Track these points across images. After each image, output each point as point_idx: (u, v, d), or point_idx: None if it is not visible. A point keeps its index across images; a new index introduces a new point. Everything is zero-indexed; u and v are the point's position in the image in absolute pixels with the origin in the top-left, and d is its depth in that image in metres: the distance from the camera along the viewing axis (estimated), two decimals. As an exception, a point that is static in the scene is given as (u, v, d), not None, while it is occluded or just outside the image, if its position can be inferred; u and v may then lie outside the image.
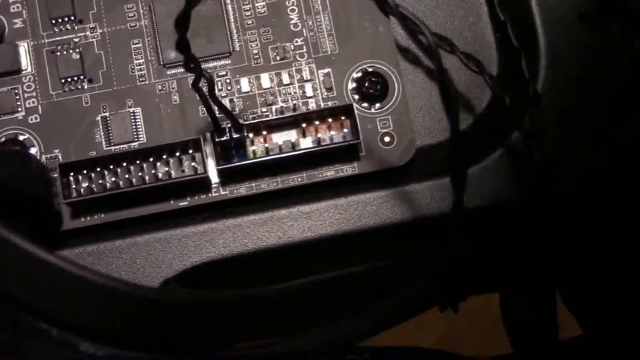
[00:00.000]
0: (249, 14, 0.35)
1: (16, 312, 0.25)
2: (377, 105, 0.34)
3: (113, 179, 0.33)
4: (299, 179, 0.34)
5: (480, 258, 0.32)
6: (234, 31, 0.35)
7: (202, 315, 0.27)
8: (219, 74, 0.34)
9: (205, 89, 0.31)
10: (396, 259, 0.31)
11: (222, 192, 0.34)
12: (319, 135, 0.34)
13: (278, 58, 0.35)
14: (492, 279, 0.36)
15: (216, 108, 0.32)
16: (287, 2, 0.35)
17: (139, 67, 0.34)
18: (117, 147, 0.34)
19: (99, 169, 0.33)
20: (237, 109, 0.34)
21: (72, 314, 0.25)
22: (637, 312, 0.34)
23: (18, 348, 0.25)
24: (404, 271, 0.31)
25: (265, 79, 0.35)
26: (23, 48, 0.34)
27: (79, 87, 0.34)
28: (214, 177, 0.34)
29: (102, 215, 0.34)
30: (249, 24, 0.35)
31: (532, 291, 0.36)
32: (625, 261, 0.33)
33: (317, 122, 0.34)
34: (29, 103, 0.34)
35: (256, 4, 0.35)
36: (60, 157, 0.34)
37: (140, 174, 0.33)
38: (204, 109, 0.32)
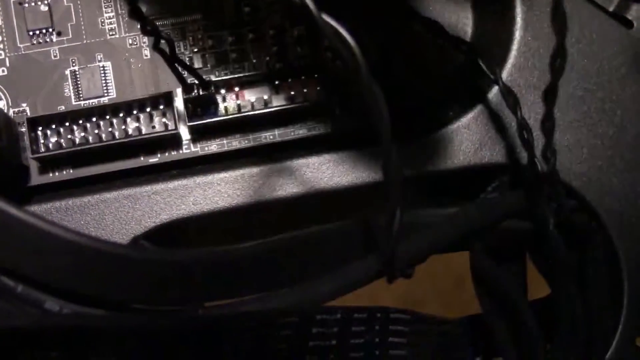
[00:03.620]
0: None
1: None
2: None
3: (82, 134, 0.33)
4: (271, 137, 0.34)
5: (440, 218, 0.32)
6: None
7: (169, 274, 0.27)
8: (190, 29, 0.34)
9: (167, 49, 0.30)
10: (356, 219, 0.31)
11: (193, 149, 0.34)
12: (292, 92, 0.33)
13: (252, 14, 0.34)
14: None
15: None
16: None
17: (109, 20, 0.34)
18: (86, 102, 0.33)
19: (67, 124, 0.33)
20: (209, 65, 0.34)
21: (37, 271, 0.25)
22: (603, 273, 0.34)
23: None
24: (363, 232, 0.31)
25: (238, 35, 0.34)
26: (-10, -1, 0.34)
27: (48, 40, 0.34)
28: (184, 134, 0.33)
29: (71, 171, 0.33)
30: (221, -22, 0.34)
31: (503, 251, 0.36)
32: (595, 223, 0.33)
33: (289, 80, 0.33)
34: (-4, 56, 0.33)
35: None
36: (28, 111, 0.33)
37: (110, 129, 0.33)
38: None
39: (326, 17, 0.23)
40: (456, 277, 0.83)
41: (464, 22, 0.36)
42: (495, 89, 0.33)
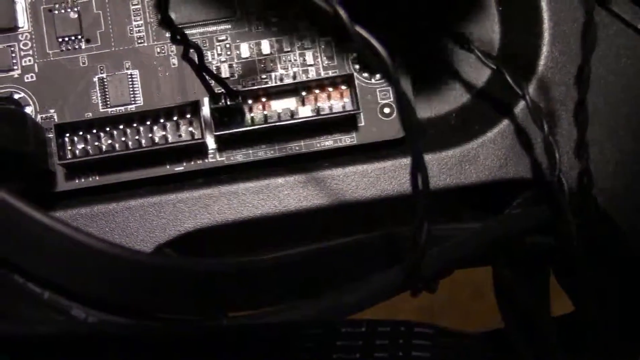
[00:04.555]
0: (251, -22, 0.34)
1: (8, 274, 0.25)
2: (378, 75, 0.34)
3: (109, 141, 0.33)
4: (297, 148, 0.34)
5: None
6: (236, -4, 0.34)
7: (195, 283, 0.27)
8: (219, 38, 0.34)
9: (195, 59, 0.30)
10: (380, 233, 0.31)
11: (219, 159, 0.34)
12: (319, 104, 0.33)
13: (279, 25, 0.34)
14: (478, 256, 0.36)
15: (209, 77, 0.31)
16: (290, -32, 0.34)
17: (137, 28, 0.34)
18: (113, 109, 0.33)
19: (95, 131, 0.33)
20: (236, 75, 0.34)
21: (64, 278, 0.25)
22: (628, 290, 0.34)
23: (9, 311, 0.25)
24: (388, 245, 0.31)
25: (266, 45, 0.34)
26: (20, 5, 0.34)
27: (76, 47, 0.34)
28: (211, 143, 0.33)
29: (97, 178, 0.33)
30: (250, -11, 0.34)
31: (526, 267, 0.36)
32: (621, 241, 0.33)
33: (317, 91, 0.33)
34: (25, 61, 0.34)
35: (258, -31, 0.34)
36: (55, 117, 0.33)
37: (136, 137, 0.33)
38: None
39: (359, 29, 0.23)
40: (474, 289, 0.83)
41: (491, 36, 0.36)
42: (521, 104, 0.33)
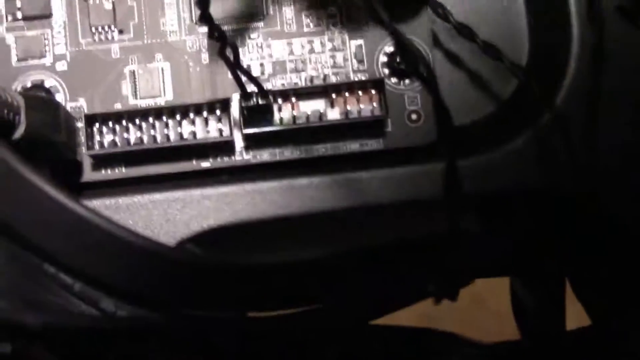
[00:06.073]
0: (285, -22, 0.34)
1: (41, 263, 0.25)
2: (407, 81, 0.34)
3: (137, 134, 0.33)
4: (323, 150, 0.34)
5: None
6: (269, -6, 0.34)
7: (221, 280, 0.27)
8: (251, 36, 0.34)
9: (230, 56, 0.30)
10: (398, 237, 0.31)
11: (246, 157, 0.34)
12: (348, 107, 0.33)
13: (311, 25, 0.34)
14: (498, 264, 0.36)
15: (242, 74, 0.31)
16: (323, -30, 0.34)
17: (170, 22, 0.34)
18: (142, 101, 0.33)
19: (124, 123, 0.33)
20: (266, 74, 0.34)
21: (96, 269, 0.25)
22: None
23: (41, 300, 0.25)
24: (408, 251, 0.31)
25: (297, 46, 0.34)
26: (55, -7, 0.34)
27: (109, 37, 0.34)
28: (238, 141, 0.34)
29: (123, 170, 0.33)
30: (284, -12, 0.34)
31: (542, 279, 0.37)
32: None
33: (346, 94, 0.33)
34: (57, 49, 0.34)
35: (292, -31, 0.34)
36: (85, 106, 0.33)
37: (165, 131, 0.33)
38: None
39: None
40: (474, 295, 0.83)
41: (520, 48, 0.36)
42: (547, 115, 0.33)
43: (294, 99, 0.33)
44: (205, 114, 0.33)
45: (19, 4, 0.33)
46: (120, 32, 0.34)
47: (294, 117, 0.33)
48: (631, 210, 0.33)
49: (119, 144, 0.33)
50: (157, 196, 0.33)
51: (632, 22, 0.34)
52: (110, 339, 0.25)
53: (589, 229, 0.32)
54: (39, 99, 0.31)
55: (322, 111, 0.33)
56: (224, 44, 0.29)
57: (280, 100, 0.33)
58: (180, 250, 0.31)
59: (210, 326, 0.27)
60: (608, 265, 0.33)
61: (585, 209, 0.32)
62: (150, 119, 0.33)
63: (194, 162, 0.33)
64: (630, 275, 0.34)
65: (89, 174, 0.33)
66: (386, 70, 0.34)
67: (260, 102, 0.32)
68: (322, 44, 0.34)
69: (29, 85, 0.33)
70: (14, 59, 0.33)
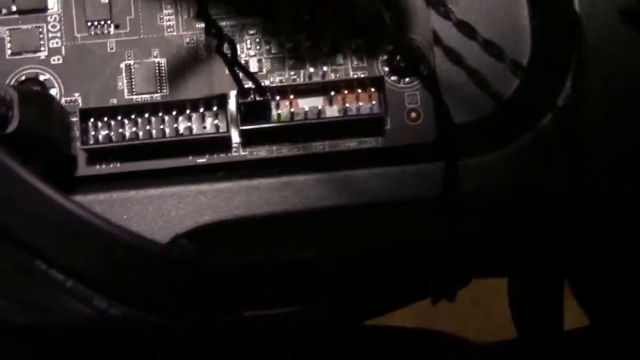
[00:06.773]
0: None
1: (32, 260, 0.25)
2: (407, 79, 0.34)
3: (133, 129, 0.32)
4: (321, 147, 0.34)
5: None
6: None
7: (214, 280, 0.27)
8: (249, 32, 0.34)
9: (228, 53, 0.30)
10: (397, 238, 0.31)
11: (242, 153, 0.33)
12: (347, 105, 0.33)
13: (311, 21, 0.34)
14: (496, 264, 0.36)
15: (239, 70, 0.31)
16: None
17: (167, 17, 0.34)
18: (138, 96, 0.33)
19: (119, 118, 0.32)
20: (264, 70, 0.34)
21: (88, 266, 0.25)
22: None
23: (32, 298, 0.24)
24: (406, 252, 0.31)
25: (296, 42, 0.34)
26: (50, -14, 0.34)
27: (105, 31, 0.33)
28: (235, 137, 0.33)
29: (118, 165, 0.33)
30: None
31: (540, 279, 0.36)
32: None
33: (345, 92, 0.33)
34: (52, 43, 0.33)
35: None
36: (80, 101, 0.33)
37: (161, 126, 0.32)
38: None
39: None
40: (470, 295, 0.83)
41: (522, 48, 0.35)
42: (548, 116, 0.33)
43: (292, 96, 0.33)
44: (202, 109, 0.33)
45: (13, -3, 0.33)
46: (117, 26, 0.33)
47: (292, 114, 0.33)
48: (631, 210, 0.33)
49: (114, 138, 0.32)
50: (152, 192, 0.32)
51: (634, 25, 0.34)
52: (101, 339, 0.25)
53: (588, 229, 0.32)
54: (33, 93, 0.30)
55: (320, 108, 0.33)
56: (222, 39, 0.29)
57: (277, 97, 0.33)
58: (170, 247, 0.30)
59: (204, 325, 0.27)
60: (607, 265, 0.33)
61: (584, 209, 0.32)
62: (146, 114, 0.32)
63: (190, 157, 0.33)
64: (630, 275, 0.34)
65: (83, 169, 0.33)
66: (386, 68, 0.34)
67: (257, 98, 0.32)
68: (322, 41, 0.34)
69: (23, 79, 0.33)
70: (8, 52, 0.33)
